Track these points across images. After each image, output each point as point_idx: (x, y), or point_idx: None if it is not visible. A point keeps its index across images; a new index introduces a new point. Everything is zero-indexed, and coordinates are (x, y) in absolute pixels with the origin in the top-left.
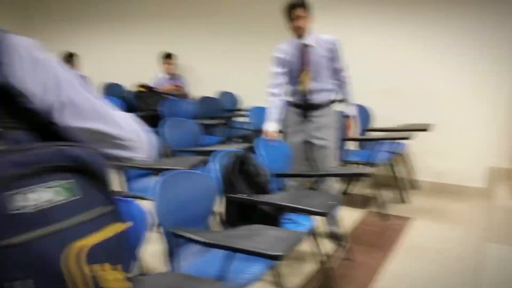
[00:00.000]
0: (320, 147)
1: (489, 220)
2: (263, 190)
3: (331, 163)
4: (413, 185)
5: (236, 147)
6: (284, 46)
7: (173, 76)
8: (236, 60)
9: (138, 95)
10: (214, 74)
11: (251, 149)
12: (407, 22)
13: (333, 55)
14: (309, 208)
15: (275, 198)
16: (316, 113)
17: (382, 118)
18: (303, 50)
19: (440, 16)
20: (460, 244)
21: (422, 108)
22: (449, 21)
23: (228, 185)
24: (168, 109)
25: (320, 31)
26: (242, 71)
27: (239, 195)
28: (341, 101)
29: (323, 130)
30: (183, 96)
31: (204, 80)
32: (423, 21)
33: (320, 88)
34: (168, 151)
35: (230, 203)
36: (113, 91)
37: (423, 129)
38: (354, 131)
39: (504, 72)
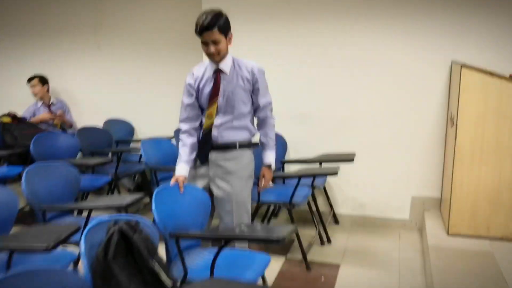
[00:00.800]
0: (224, 199)
1: (425, 264)
2: (156, 279)
3: (241, 218)
4: (335, 220)
5: (123, 202)
6: (198, 69)
7: (48, 102)
8: (129, 82)
9: (3, 127)
10: (101, 99)
11: (147, 197)
12: (324, 42)
13: (252, 86)
14: None
15: None
16: (223, 155)
17: (297, 146)
18: (216, 77)
19: (358, 36)
20: None
21: (341, 135)
22: (367, 43)
23: (101, 277)
24: (38, 145)
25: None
26: (137, 95)
27: None
28: (258, 144)
29: (230, 178)
30: (66, 126)
31: (88, 106)
32: (340, 42)
33: (229, 125)
34: (35, 210)
35: None
36: None
37: (348, 159)
38: (269, 182)
39: (426, 96)
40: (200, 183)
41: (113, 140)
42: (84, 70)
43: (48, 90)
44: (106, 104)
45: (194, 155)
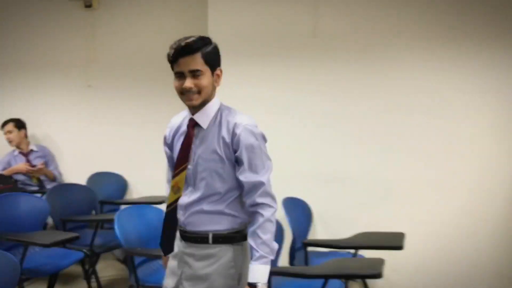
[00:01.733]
0: None
1: None
2: None
3: None
4: None
5: None
6: (177, 117)
7: (26, 150)
8: (124, 127)
9: None
10: (88, 148)
11: None
12: (363, 83)
13: (234, 156)
14: None
15: None
16: (192, 250)
17: (326, 217)
18: (187, 133)
19: (408, 75)
20: None
21: (384, 205)
22: (420, 82)
23: None
24: None
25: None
26: (133, 143)
27: None
28: (244, 237)
29: (200, 287)
30: (49, 178)
31: (71, 157)
32: (385, 82)
33: (198, 208)
34: None
35: None
36: None
37: (395, 246)
38: None
39: (496, 146)
40: (171, 281)
41: (97, 200)
42: (71, 112)
43: (26, 136)
44: (94, 154)
45: None
